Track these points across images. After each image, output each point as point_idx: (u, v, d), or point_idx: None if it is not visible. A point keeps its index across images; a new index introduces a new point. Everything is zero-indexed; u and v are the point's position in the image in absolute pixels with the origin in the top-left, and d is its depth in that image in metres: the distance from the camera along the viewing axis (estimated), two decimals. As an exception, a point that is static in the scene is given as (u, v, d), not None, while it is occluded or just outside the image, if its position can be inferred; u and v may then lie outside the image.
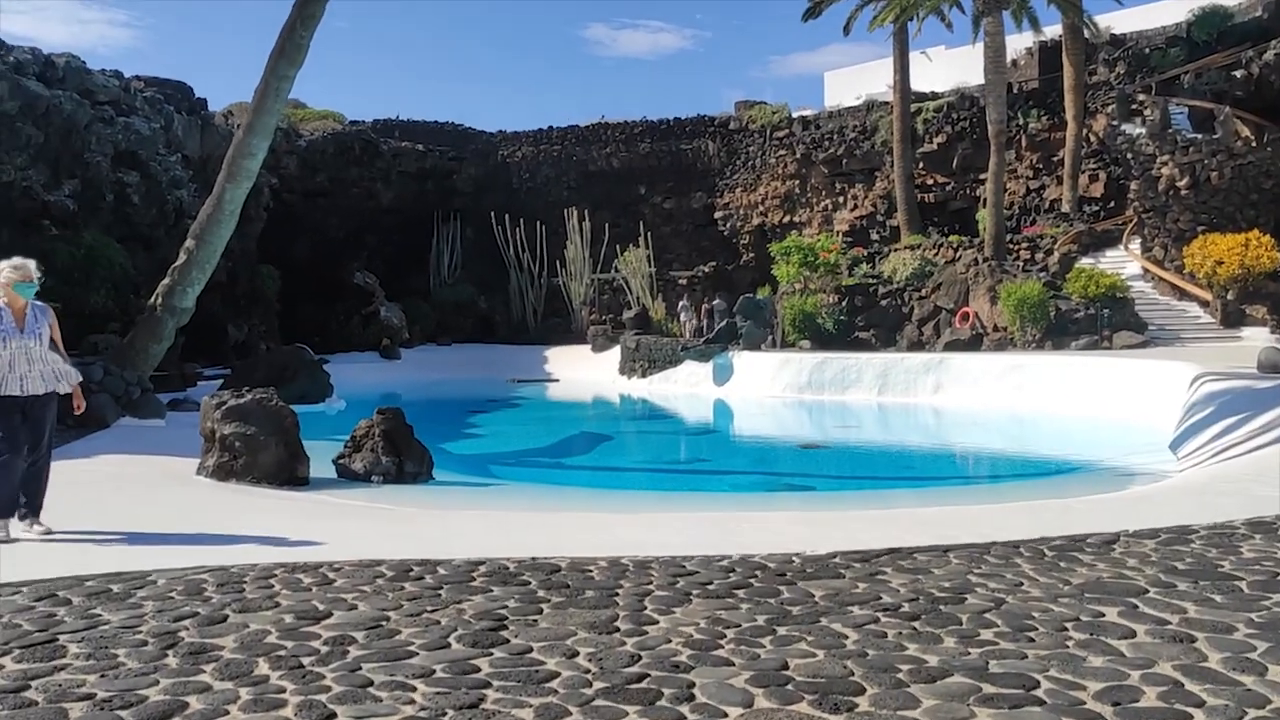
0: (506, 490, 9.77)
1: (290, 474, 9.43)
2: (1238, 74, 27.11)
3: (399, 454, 9.94)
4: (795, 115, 40.79)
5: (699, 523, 6.66)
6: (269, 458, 9.33)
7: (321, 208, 39.74)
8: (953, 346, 24.34)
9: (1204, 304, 24.71)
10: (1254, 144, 25.31)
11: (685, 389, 25.93)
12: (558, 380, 32.03)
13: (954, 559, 5.56)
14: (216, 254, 15.56)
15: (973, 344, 24.45)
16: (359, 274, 37.80)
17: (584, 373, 31.87)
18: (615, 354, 30.54)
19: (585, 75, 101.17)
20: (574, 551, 5.53)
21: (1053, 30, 33.31)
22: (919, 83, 36.00)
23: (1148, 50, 31.24)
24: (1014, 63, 34.57)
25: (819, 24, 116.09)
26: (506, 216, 40.09)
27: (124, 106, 26.79)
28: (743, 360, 24.94)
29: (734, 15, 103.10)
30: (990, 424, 18.50)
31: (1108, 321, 23.24)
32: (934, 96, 36.74)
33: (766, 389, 23.51)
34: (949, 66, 38.98)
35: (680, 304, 32.17)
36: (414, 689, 3.45)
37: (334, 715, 3.24)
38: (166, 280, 15.49)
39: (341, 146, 40.31)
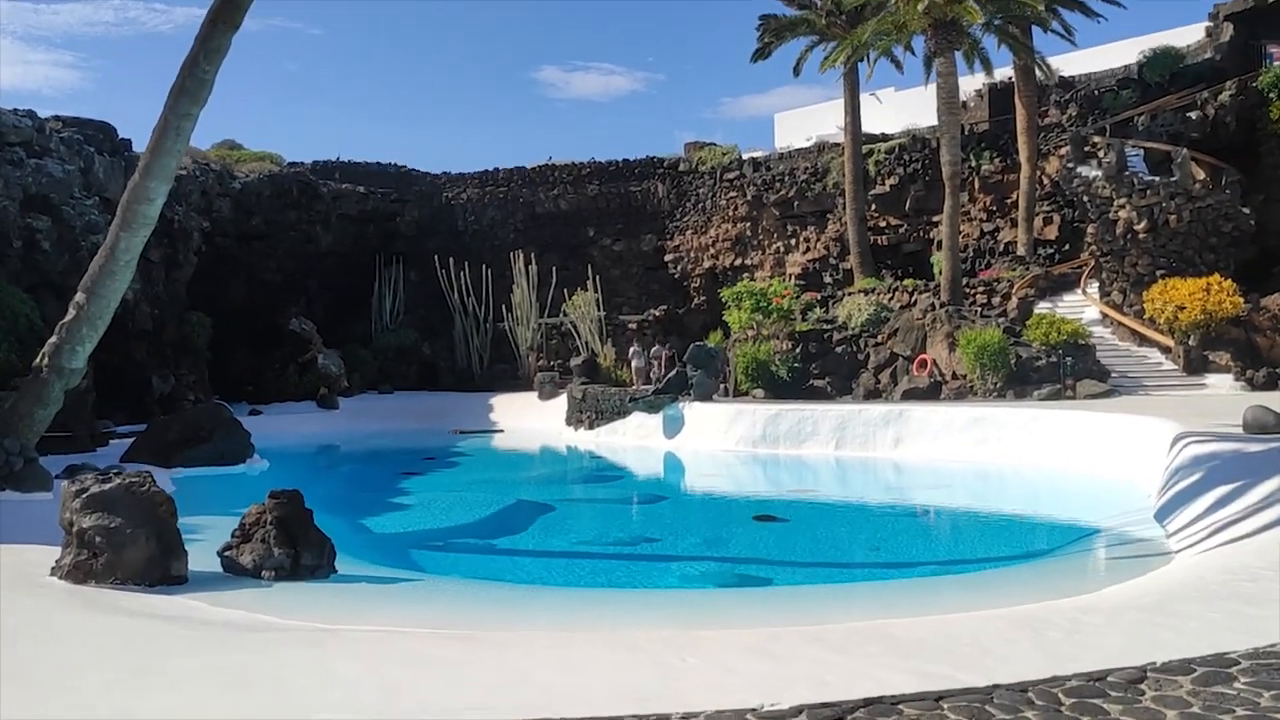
0: (418, 591, 8.44)
1: (163, 572, 8.10)
2: (1193, 115, 26.73)
3: (295, 544, 8.63)
4: (745, 157, 40.09)
5: (636, 653, 5.43)
6: (137, 554, 8.00)
7: (257, 251, 38.26)
8: (911, 395, 23.42)
9: (1165, 350, 24.04)
10: (1211, 186, 24.83)
11: (635, 441, 24.74)
12: (502, 430, 30.72)
13: (949, 712, 4.42)
14: (110, 308, 14.14)
15: (931, 392, 23.55)
16: (295, 320, 36.19)
17: (530, 422, 30.61)
18: (563, 401, 29.33)
19: (536, 117, 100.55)
20: None
21: (1002, 73, 32.94)
22: (869, 124, 35.45)
23: (1099, 92, 30.88)
24: (964, 104, 34.12)
25: (770, 67, 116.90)
26: (451, 260, 38.78)
27: (36, 148, 25.25)
28: (694, 412, 23.81)
29: (686, 58, 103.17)
30: (955, 482, 17.48)
31: (1070, 370, 22.45)
32: (885, 138, 36.20)
33: (719, 442, 22.41)
34: (899, 108, 38.52)
35: (631, 349, 31.01)
36: None
37: None
38: (54, 339, 14.04)
39: (278, 188, 38.88)
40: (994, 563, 10.17)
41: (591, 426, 26.29)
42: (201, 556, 9.25)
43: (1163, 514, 11.00)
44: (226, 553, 8.81)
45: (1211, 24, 30.27)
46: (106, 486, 8.29)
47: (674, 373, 25.36)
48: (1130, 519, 11.84)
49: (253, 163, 40.34)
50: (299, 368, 35.41)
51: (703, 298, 39.49)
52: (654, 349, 29.96)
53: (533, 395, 33.34)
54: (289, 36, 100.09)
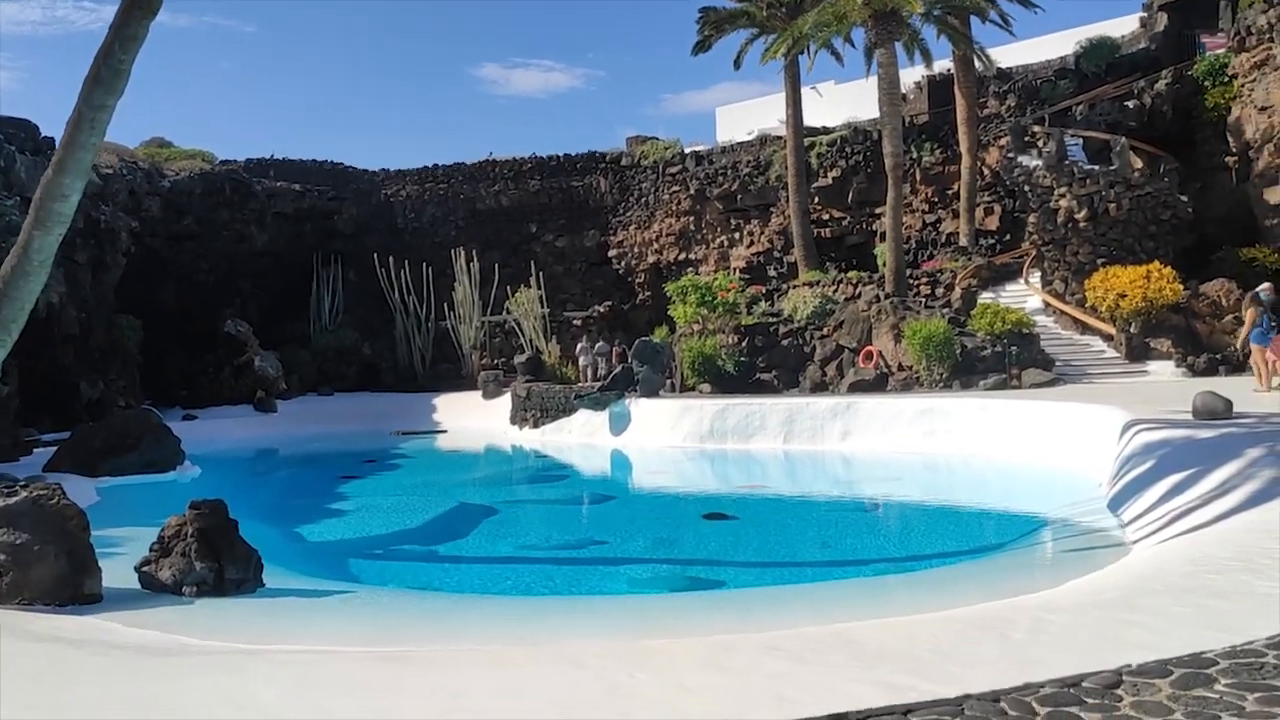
0: (350, 604, 7.94)
1: (75, 591, 7.56)
2: (1130, 104, 26.94)
3: (218, 558, 8.12)
4: (688, 151, 39.81)
5: (581, 670, 5.05)
6: (45, 572, 7.45)
7: (189, 252, 37.21)
8: (857, 387, 23.29)
9: (1107, 338, 24.16)
10: (1150, 174, 25.00)
11: (580, 439, 24.34)
12: (446, 431, 30.15)
13: (919, 726, 4.11)
14: (24, 311, 13.34)
15: (878, 384, 23.44)
16: (230, 322, 35.23)
17: (475, 421, 30.09)
18: (507, 400, 28.86)
19: (476, 115, 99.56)
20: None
21: (941, 65, 33.00)
22: (810, 118, 35.36)
23: (1037, 83, 31.09)
24: (904, 97, 34.09)
25: (711, 62, 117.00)
26: (391, 258, 38.01)
27: (-48, 147, 24.20)
28: (640, 408, 23.46)
29: (626, 54, 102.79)
30: (905, 475, 17.31)
31: (1015, 359, 22.45)
32: (826, 131, 36.13)
33: (666, 438, 22.08)
34: (840, 101, 38.55)
35: (579, 345, 30.49)
36: None
37: None
38: (-38, 345, 13.23)
39: (210, 187, 37.86)
40: (949, 558, 9.93)
41: (536, 425, 25.83)
42: (122, 572, 8.72)
43: (1116, 503, 10.85)
44: (144, 568, 8.28)
45: (1146, 14, 30.63)
46: (11, 501, 7.72)
47: (619, 369, 24.99)
48: (1083, 509, 11.69)
49: (183, 161, 39.26)
50: (235, 370, 34.45)
51: (648, 293, 39.17)
52: (599, 345, 29.55)
53: (477, 394, 32.81)
54: (222, 34, 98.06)
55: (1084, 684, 4.61)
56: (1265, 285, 19.63)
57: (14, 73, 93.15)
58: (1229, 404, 12.74)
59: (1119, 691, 4.51)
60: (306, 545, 12.11)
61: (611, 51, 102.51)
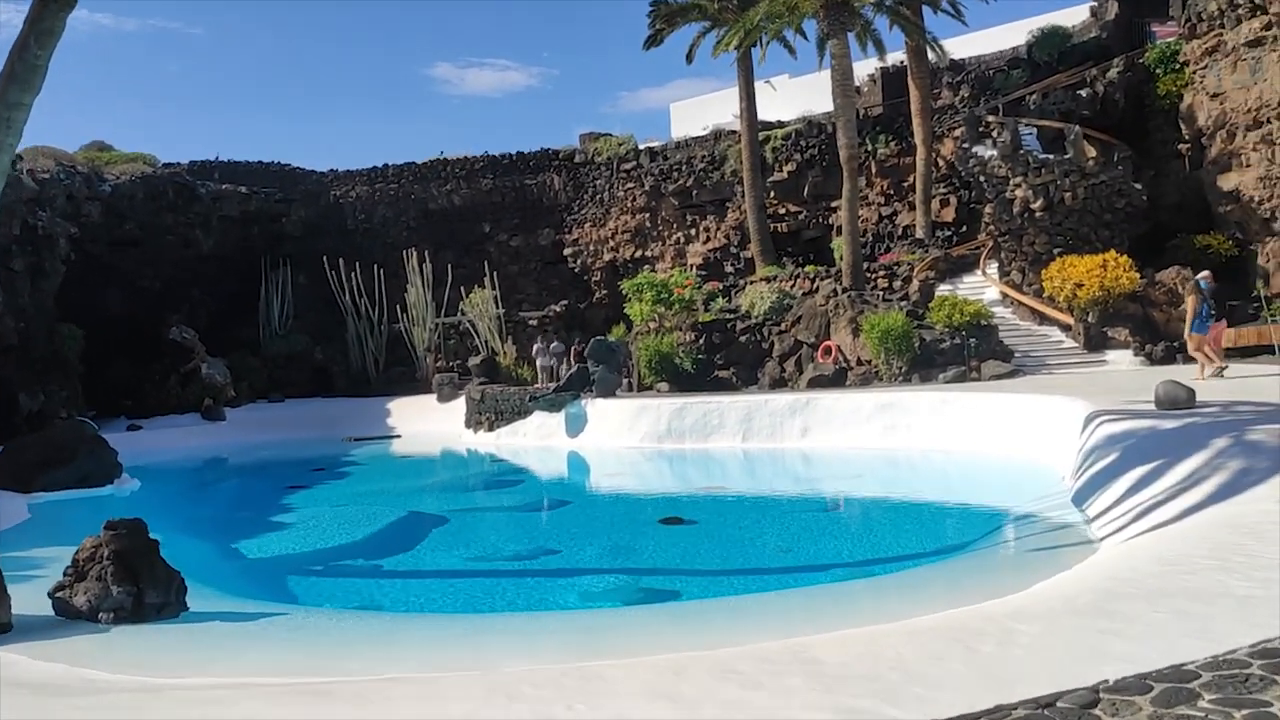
0: (279, 629, 7.40)
1: (-21, 622, 7.03)
2: (1083, 93, 26.89)
3: (136, 581, 7.59)
4: (642, 147, 39.39)
5: (515, 703, 4.61)
6: (-54, 603, 6.91)
7: (133, 258, 36.19)
8: (817, 383, 23.02)
9: (1065, 328, 24.08)
10: (1104, 163, 24.95)
11: (536, 441, 23.86)
12: (399, 436, 29.56)
13: (884, 761, 3.73)
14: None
15: (837, 379, 23.19)
16: (176, 329, 34.36)
17: (430, 424, 29.50)
18: (463, 403, 28.28)
19: (430, 115, 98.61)
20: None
21: (894, 57, 32.88)
22: (765, 113, 35.14)
23: (990, 73, 31.03)
24: (858, 89, 33.93)
25: (667, 59, 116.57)
26: (341, 260, 37.27)
27: None
28: (596, 409, 23.01)
29: (581, 53, 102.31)
30: (866, 471, 17.01)
31: (974, 351, 22.29)
32: (781, 125, 35.88)
33: (624, 439, 21.67)
34: (794, 95, 38.29)
35: (535, 346, 29.92)
36: None
37: None
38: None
39: (153, 191, 36.89)
40: (912, 560, 9.57)
41: (492, 428, 25.31)
42: (38, 598, 8.16)
43: (1080, 497, 10.58)
44: (58, 593, 7.73)
45: (1096, 3, 30.65)
46: (-94, 527, 7.16)
47: (575, 369, 24.53)
48: (1047, 504, 11.43)
49: (124, 165, 38.22)
50: (181, 378, 33.61)
51: (604, 291, 38.75)
52: (553, 345, 29.04)
53: (431, 398, 32.20)
54: (168, 37, 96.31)
55: (1059, 704, 4.24)
56: (1204, 273, 19.71)
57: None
58: (1192, 393, 12.54)
59: (1097, 711, 4.15)
60: (243, 562, 11.55)
61: (567, 50, 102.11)
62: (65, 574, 7.77)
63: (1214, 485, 8.28)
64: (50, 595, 7.76)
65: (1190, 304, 18.48)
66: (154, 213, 36.63)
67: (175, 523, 14.36)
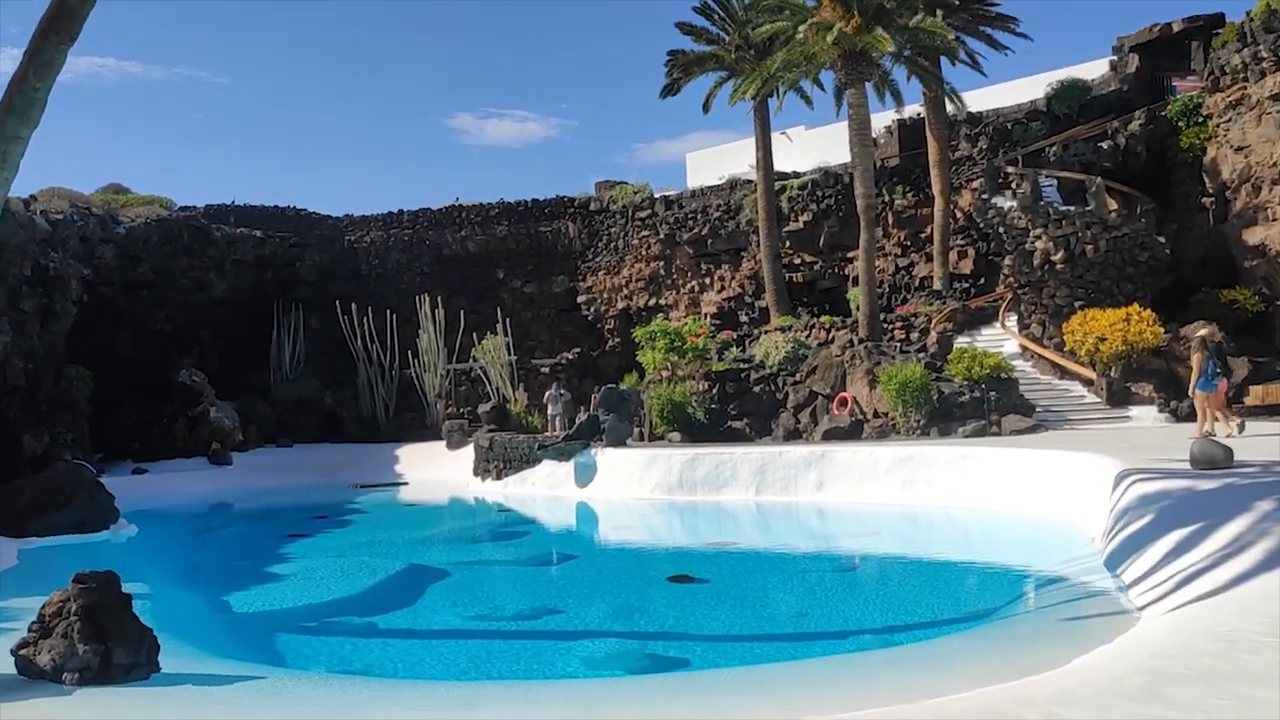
0: (254, 696, 6.75)
1: (-66, 682, 6.54)
2: (1104, 145, 26.56)
3: (105, 639, 7.08)
4: (657, 195, 39.22)
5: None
6: (-103, 662, 6.44)
7: (145, 301, 36.11)
8: (832, 435, 22.49)
9: (1087, 383, 23.52)
10: (1126, 215, 24.52)
11: (545, 491, 23.34)
12: (407, 483, 29.08)
13: None
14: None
15: (853, 431, 22.65)
16: (185, 372, 34.11)
17: (438, 472, 29.03)
18: (472, 451, 27.81)
19: (449, 164, 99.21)
20: None
21: (911, 110, 32.70)
22: (781, 163, 35.00)
23: (1009, 125, 30.75)
24: (875, 141, 33.76)
25: (683, 111, 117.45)
26: (354, 305, 37.00)
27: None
28: (606, 458, 22.50)
29: (599, 104, 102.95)
30: (883, 528, 16.43)
31: (994, 405, 21.73)
32: (797, 176, 35.66)
33: (634, 490, 21.13)
34: (810, 147, 38.14)
35: (548, 394, 29.38)
36: None
37: None
38: None
39: (168, 234, 36.85)
40: (936, 628, 8.97)
41: (500, 476, 24.81)
42: (5, 654, 7.65)
43: (1114, 561, 9.99)
44: (21, 651, 7.22)
45: (1116, 57, 30.41)
46: None
47: (585, 418, 24.06)
48: (1077, 567, 10.84)
49: (140, 207, 38.22)
50: (189, 422, 33.25)
51: (617, 339, 38.36)
52: (563, 393, 28.51)
53: (441, 445, 31.78)
54: (195, 85, 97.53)
55: (1119, 811, 3.72)
56: (1209, 329, 19.27)
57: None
58: (1229, 452, 11.98)
59: (1164, 821, 3.63)
60: (231, 617, 11.02)
61: (585, 101, 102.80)
62: (30, 629, 7.27)
63: (1262, 552, 7.72)
64: (13, 653, 7.26)
65: (1196, 361, 18.05)
66: (168, 256, 36.59)
67: (167, 572, 13.93)
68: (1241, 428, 17.29)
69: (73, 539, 16.46)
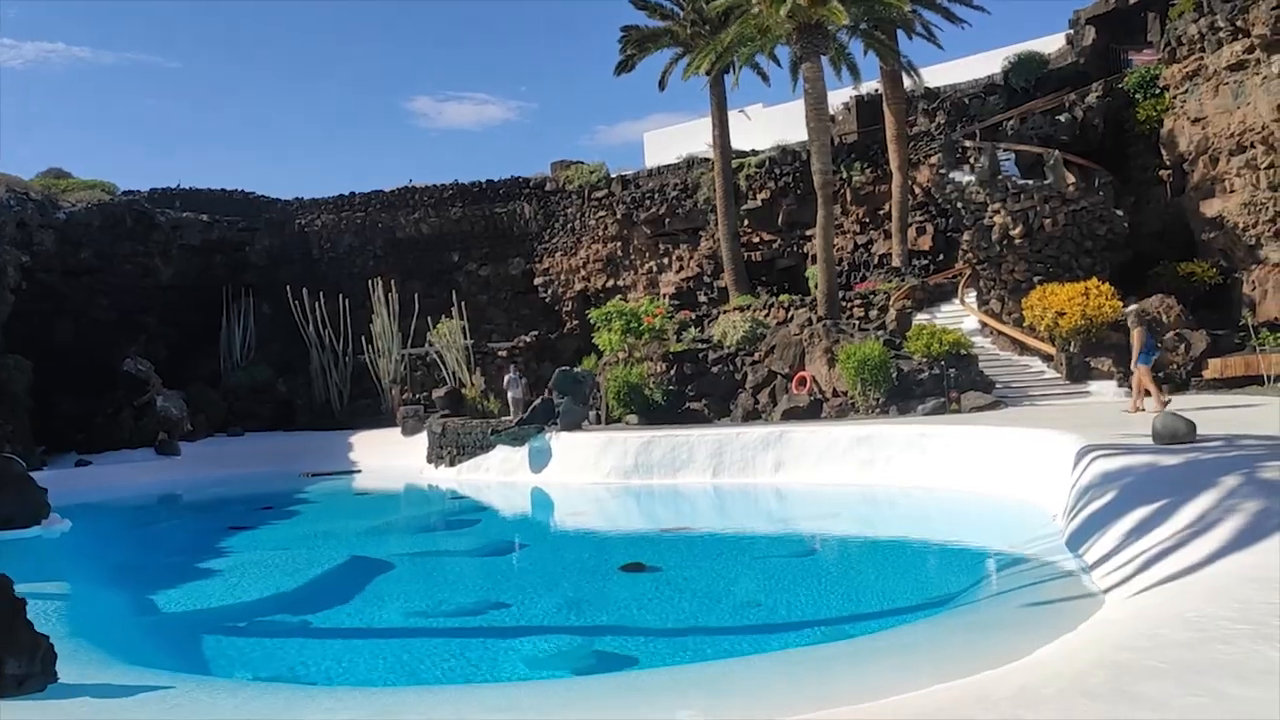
0: (153, 708, 6.20)
1: None
2: (1061, 118, 26.33)
3: (-4, 651, 6.56)
4: (614, 175, 38.62)
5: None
6: None
7: (87, 287, 35.14)
8: (791, 415, 22.13)
9: (1047, 358, 23.34)
10: (1085, 189, 24.31)
11: (499, 477, 22.82)
12: (360, 471, 28.47)
13: None
14: None
15: (812, 411, 22.31)
16: (130, 360, 33.15)
17: (393, 459, 28.42)
18: (426, 437, 27.20)
19: (407, 147, 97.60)
20: None
21: (869, 86, 32.34)
22: (740, 142, 34.49)
23: (966, 100, 30.46)
24: (833, 118, 33.37)
25: (644, 93, 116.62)
26: (305, 290, 36.14)
27: None
28: (561, 443, 21.99)
29: (559, 87, 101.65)
30: (842, 510, 16.07)
31: (954, 382, 21.46)
32: (755, 153, 35.20)
33: (589, 475, 20.66)
34: (769, 125, 37.65)
35: (507, 378, 28.65)
36: None
37: None
38: None
39: (110, 219, 35.91)
40: (895, 617, 8.56)
41: (453, 463, 24.23)
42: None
43: (1076, 541, 9.65)
44: (-95, 665, 6.64)
45: (1073, 30, 30.18)
46: None
47: (539, 401, 23.53)
48: (1038, 546, 10.51)
49: (82, 192, 37.15)
50: (135, 412, 32.34)
51: (575, 321, 37.81)
52: (508, 377, 27.88)
53: (396, 431, 31.13)
54: (145, 70, 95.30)
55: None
56: (1142, 304, 19.34)
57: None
58: (1192, 426, 11.70)
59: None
60: (155, 618, 10.42)
61: (545, 84, 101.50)
62: (-84, 640, 6.69)
63: (1230, 530, 7.39)
64: (-105, 666, 6.68)
65: (1137, 335, 18.04)
66: (111, 241, 35.64)
67: (94, 570, 13.30)
68: (1168, 403, 17.23)
69: (1, 535, 15.72)
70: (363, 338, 35.45)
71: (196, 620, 10.12)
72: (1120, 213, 24.20)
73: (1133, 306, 19.44)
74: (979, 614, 8.26)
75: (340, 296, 36.02)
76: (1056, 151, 24.33)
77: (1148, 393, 17.74)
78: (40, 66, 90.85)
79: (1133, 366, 18.30)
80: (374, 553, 13.64)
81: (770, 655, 7.64)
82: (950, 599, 9.12)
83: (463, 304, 34.84)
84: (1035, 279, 23.78)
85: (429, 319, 34.65)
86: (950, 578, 10.71)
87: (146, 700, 6.38)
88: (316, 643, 8.81)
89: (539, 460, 22.13)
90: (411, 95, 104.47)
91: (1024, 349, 23.81)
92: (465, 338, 33.73)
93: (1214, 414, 15.21)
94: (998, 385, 22.25)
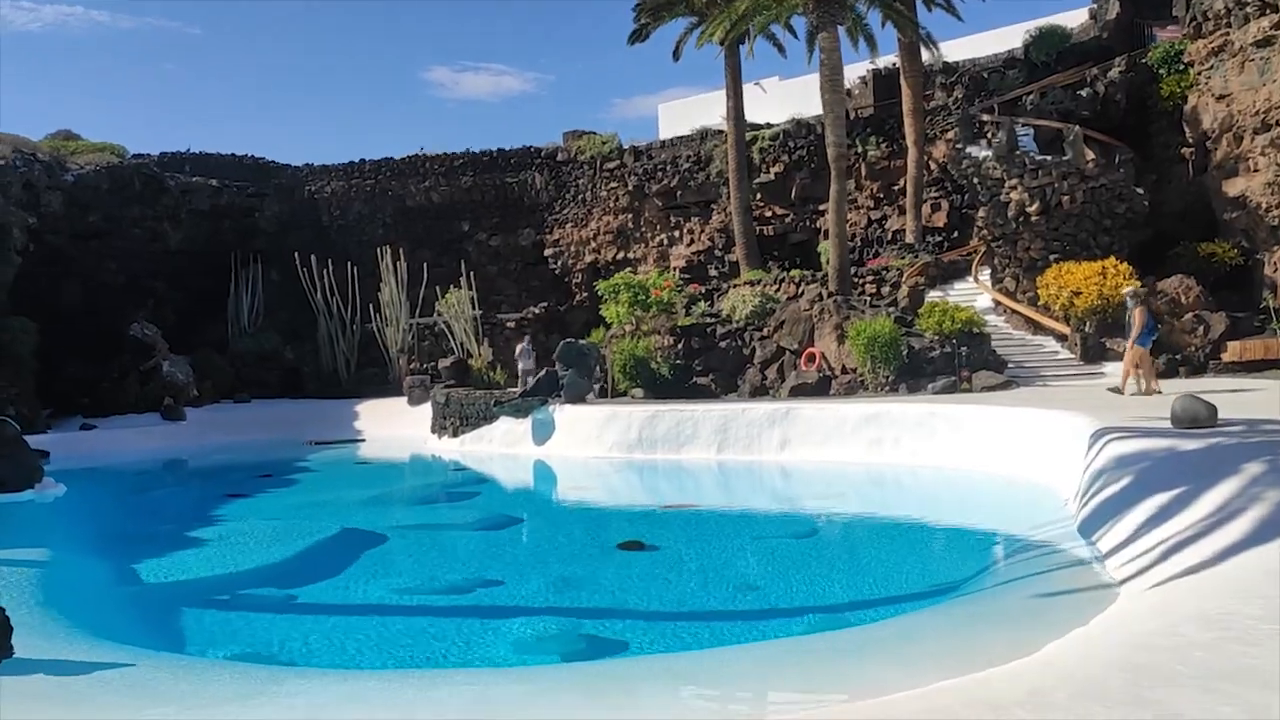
0: (115, 686, 5.83)
1: None
2: (1083, 93, 25.71)
3: (-49, 624, 6.27)
4: (626, 146, 38.10)
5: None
6: None
7: (95, 251, 34.81)
8: (799, 391, 21.78)
9: (1061, 338, 22.90)
10: (1105, 165, 23.75)
11: (502, 449, 22.54)
12: (364, 440, 28.26)
13: None
14: None
15: (820, 388, 21.94)
16: (137, 325, 32.99)
17: (398, 429, 28.22)
18: (431, 407, 26.97)
19: (423, 118, 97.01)
20: None
21: (886, 61, 31.74)
22: (755, 115, 34.01)
23: (985, 74, 29.82)
24: (849, 92, 32.81)
25: (661, 66, 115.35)
26: (314, 257, 35.85)
27: None
28: (564, 415, 21.68)
29: (576, 59, 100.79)
30: (848, 489, 15.73)
31: (965, 360, 21.04)
32: (769, 127, 34.64)
33: (592, 448, 20.36)
34: (784, 99, 37.06)
35: (520, 348, 28.18)
36: None
37: None
38: None
39: (119, 182, 35.56)
40: (896, 605, 8.24)
41: (456, 434, 23.97)
42: None
43: (1089, 527, 9.29)
44: None
45: (1096, 4, 29.50)
46: None
47: (544, 373, 23.20)
48: (1049, 531, 10.16)
49: (91, 154, 36.85)
50: (141, 376, 32.21)
51: (585, 294, 37.40)
52: (520, 347, 27.59)
53: (402, 401, 30.91)
54: (165, 35, 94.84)
55: None
56: (1137, 284, 19.15)
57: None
58: (1213, 409, 11.28)
59: None
60: (134, 589, 10.15)
61: (563, 56, 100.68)
62: None
63: (1255, 520, 7.01)
64: None
65: (1139, 315, 17.65)
66: (119, 204, 35.33)
67: (80, 537, 13.05)
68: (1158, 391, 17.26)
69: (-11, 500, 15.50)
70: (371, 306, 35.20)
71: (176, 592, 9.85)
72: (1140, 191, 23.65)
73: (1129, 288, 19.14)
74: (986, 603, 7.91)
75: (349, 264, 35.75)
76: (1077, 127, 23.76)
77: (1136, 375, 17.65)
78: (59, 29, 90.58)
79: (1128, 346, 18.00)
80: (367, 524, 13.36)
81: (760, 645, 7.27)
82: (956, 586, 8.76)
83: (471, 274, 34.51)
84: (1051, 257, 23.30)
85: (437, 289, 34.32)
86: (957, 562, 10.36)
87: (103, 679, 6.09)
88: (294, 619, 8.51)
89: (542, 433, 21.83)
90: (429, 65, 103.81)
91: (1038, 328, 23.37)
92: (474, 308, 33.43)
93: (1233, 398, 14.80)
94: (1010, 365, 21.83)
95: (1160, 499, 8.22)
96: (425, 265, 35.72)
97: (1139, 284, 20.08)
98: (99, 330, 32.86)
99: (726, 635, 7.73)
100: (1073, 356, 22.33)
